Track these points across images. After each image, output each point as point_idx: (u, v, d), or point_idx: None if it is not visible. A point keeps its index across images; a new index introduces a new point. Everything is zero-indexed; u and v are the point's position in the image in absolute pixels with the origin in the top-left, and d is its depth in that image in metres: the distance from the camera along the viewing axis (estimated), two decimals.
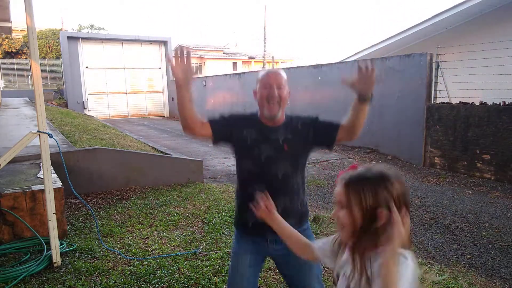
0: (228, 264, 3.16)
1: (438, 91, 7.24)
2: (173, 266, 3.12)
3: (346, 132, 1.88)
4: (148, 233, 3.85)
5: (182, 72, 1.72)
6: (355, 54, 11.99)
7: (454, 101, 7.00)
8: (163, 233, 3.83)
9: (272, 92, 1.88)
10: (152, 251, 3.43)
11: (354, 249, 1.16)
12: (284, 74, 1.96)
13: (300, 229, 1.77)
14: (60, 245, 3.22)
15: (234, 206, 2.06)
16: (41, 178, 3.88)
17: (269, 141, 1.92)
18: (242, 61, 34.89)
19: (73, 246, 3.44)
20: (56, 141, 3.36)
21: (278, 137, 1.93)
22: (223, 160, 8.03)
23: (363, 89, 1.73)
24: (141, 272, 3.02)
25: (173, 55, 1.76)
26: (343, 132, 1.89)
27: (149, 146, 8.47)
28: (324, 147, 1.99)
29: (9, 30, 11.08)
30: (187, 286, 2.84)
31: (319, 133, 1.94)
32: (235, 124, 1.96)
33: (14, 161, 4.20)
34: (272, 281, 2.91)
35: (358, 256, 1.13)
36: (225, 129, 1.94)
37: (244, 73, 15.48)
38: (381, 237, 1.10)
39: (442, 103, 7.09)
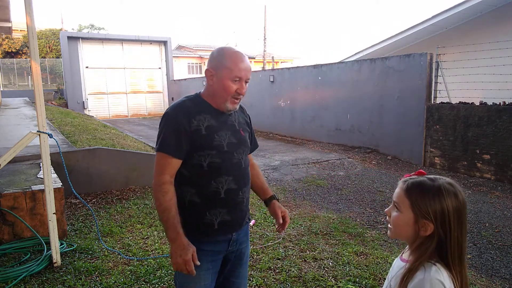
0: None
1: (438, 91, 7.24)
2: None
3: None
4: (148, 233, 3.85)
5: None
6: (355, 54, 12.00)
7: (454, 101, 7.00)
8: (163, 233, 3.83)
9: (241, 88, 1.63)
10: (152, 251, 3.43)
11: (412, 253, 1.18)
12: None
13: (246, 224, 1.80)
14: (60, 245, 3.22)
15: (187, 212, 1.65)
16: (41, 178, 3.88)
17: (227, 126, 1.69)
18: None
19: (73, 246, 3.45)
20: (56, 141, 3.36)
21: (233, 122, 1.73)
22: None
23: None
24: (141, 272, 3.02)
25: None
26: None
27: (149, 146, 8.46)
28: None
29: (9, 30, 11.08)
30: None
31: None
32: (184, 122, 1.60)
33: (14, 161, 4.20)
34: (272, 281, 2.91)
35: (412, 261, 1.15)
36: (183, 141, 1.60)
37: None
38: (422, 248, 1.14)
39: (442, 103, 7.09)
